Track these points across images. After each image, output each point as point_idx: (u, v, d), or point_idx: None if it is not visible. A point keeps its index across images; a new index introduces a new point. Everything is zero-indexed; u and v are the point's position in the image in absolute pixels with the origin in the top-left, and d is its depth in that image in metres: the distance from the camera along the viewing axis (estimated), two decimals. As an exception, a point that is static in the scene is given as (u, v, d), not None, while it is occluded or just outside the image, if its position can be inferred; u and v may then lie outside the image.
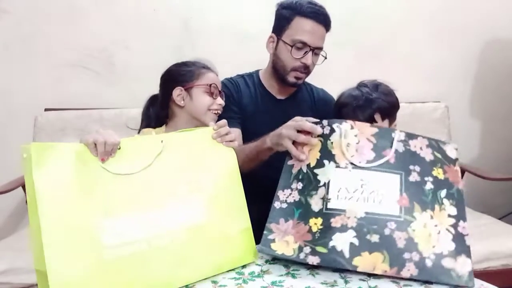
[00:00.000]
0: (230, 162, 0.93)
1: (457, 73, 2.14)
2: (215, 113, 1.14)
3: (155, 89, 1.21)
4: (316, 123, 0.91)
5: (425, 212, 0.83)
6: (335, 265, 0.79)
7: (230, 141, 0.94)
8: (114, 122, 1.75)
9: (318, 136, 0.90)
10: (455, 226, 0.83)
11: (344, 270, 0.83)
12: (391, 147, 0.87)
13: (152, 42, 1.93)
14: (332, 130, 0.89)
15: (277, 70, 1.30)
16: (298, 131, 0.92)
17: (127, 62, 1.91)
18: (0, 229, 1.89)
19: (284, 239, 0.85)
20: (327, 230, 0.82)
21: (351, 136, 0.88)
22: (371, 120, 1.12)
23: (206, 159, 0.89)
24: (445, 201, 0.85)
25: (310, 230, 0.83)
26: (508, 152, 2.19)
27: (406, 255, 0.79)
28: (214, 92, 1.14)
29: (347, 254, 0.79)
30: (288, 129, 0.93)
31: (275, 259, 0.90)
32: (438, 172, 0.87)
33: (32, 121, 1.78)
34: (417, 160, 0.88)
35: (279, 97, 1.36)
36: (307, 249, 0.82)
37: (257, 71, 1.40)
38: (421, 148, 0.89)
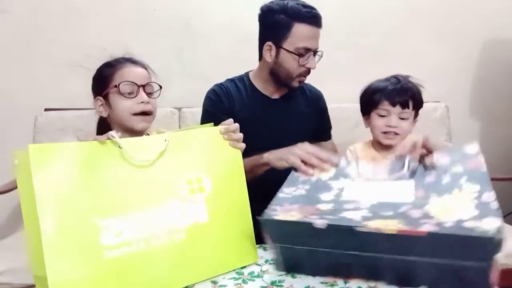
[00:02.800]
0: (235, 162, 0.91)
1: (457, 73, 2.14)
2: (142, 115, 0.99)
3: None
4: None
5: (442, 196, 0.78)
6: (344, 223, 0.72)
7: (237, 140, 0.91)
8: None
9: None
10: (478, 197, 0.75)
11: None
12: (403, 166, 0.88)
13: (152, 42, 1.93)
14: (348, 164, 0.94)
15: (279, 77, 1.28)
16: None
17: (127, 62, 1.90)
18: (0, 229, 1.89)
19: (288, 214, 0.79)
20: (338, 210, 0.78)
21: (366, 167, 0.92)
22: (405, 105, 1.17)
23: (210, 157, 0.88)
24: (465, 185, 0.79)
25: (318, 209, 0.80)
26: (508, 152, 2.19)
27: (422, 220, 0.71)
28: (131, 91, 0.97)
29: (358, 219, 0.73)
30: (300, 151, 0.97)
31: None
32: (456, 169, 0.84)
33: (32, 121, 1.78)
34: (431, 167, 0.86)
35: (273, 97, 1.35)
36: (313, 217, 0.76)
37: (246, 74, 1.38)
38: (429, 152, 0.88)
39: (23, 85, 1.88)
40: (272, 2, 1.26)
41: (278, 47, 1.24)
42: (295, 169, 0.96)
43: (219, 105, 1.29)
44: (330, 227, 0.72)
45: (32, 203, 0.68)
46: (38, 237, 0.67)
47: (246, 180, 1.07)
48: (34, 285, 0.73)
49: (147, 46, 1.94)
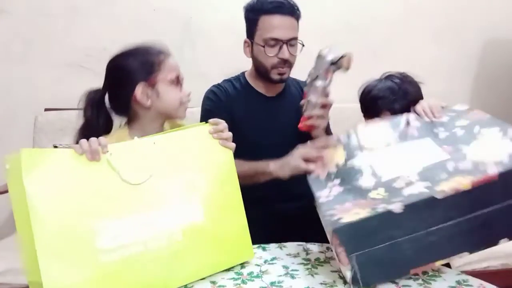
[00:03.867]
0: (226, 160, 0.91)
1: (457, 73, 2.14)
2: (186, 105, 1.03)
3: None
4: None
5: (471, 144, 0.80)
6: (422, 197, 0.70)
7: (226, 139, 0.91)
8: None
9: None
10: (505, 134, 0.78)
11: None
12: (406, 126, 0.93)
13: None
14: (349, 134, 0.96)
15: (259, 71, 1.31)
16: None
17: (127, 62, 1.90)
18: (0, 229, 1.89)
19: (351, 213, 0.74)
20: (394, 192, 0.76)
21: (369, 133, 0.94)
22: (407, 110, 1.14)
23: (201, 157, 0.87)
24: (482, 130, 0.82)
25: (374, 199, 0.76)
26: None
27: (482, 167, 0.72)
28: (181, 82, 1.02)
29: (426, 190, 0.72)
30: (298, 151, 1.01)
31: (274, 259, 0.91)
32: (461, 122, 0.89)
33: (32, 121, 1.78)
34: (436, 124, 0.92)
35: (269, 95, 1.36)
36: (382, 206, 0.72)
37: (242, 73, 1.41)
38: (434, 116, 0.94)
39: (23, 85, 1.88)
40: (251, 1, 1.30)
41: (252, 42, 1.29)
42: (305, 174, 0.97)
43: (218, 104, 1.30)
44: (408, 207, 0.69)
45: (24, 208, 0.67)
46: (31, 242, 0.67)
47: (246, 184, 1.08)
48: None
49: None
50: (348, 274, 0.73)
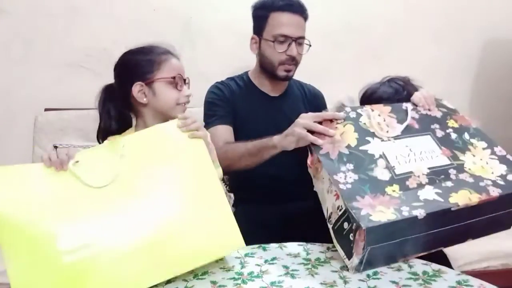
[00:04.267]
0: (199, 150, 0.90)
1: (457, 73, 2.14)
2: (184, 105, 1.05)
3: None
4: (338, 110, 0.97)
5: (466, 154, 0.95)
6: (439, 208, 0.81)
7: (196, 129, 0.91)
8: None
9: (345, 121, 0.96)
10: (493, 153, 0.97)
11: (343, 270, 0.84)
12: (406, 115, 1.00)
13: (152, 42, 1.93)
14: (359, 114, 0.98)
15: (265, 68, 1.32)
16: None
17: (127, 62, 1.90)
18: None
19: (377, 210, 0.80)
20: (408, 191, 0.85)
21: (376, 116, 0.98)
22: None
23: (172, 151, 0.88)
24: (472, 140, 0.99)
25: (392, 197, 0.84)
26: (508, 152, 2.19)
27: (481, 183, 0.87)
28: (179, 83, 1.02)
29: (441, 199, 0.83)
30: (303, 120, 0.94)
31: (274, 259, 0.91)
32: (452, 123, 1.02)
33: (32, 121, 1.78)
34: (432, 119, 1.02)
35: (272, 94, 1.37)
36: (405, 208, 0.80)
37: (246, 73, 1.42)
38: (429, 109, 1.03)
39: (23, 85, 1.88)
40: None
41: (260, 38, 1.31)
42: (310, 150, 0.94)
43: (221, 97, 1.32)
44: (428, 215, 0.79)
45: None
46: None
47: (251, 164, 1.09)
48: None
49: (147, 46, 1.94)
50: (355, 261, 0.80)
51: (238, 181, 1.37)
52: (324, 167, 0.89)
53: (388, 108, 1.01)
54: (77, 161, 0.82)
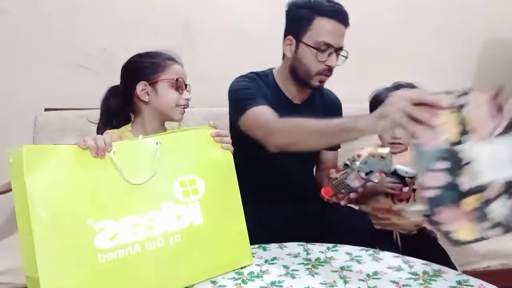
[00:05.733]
0: (227, 164, 0.91)
1: (456, 73, 2.14)
2: (183, 108, 1.10)
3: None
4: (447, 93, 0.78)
5: None
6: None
7: (228, 143, 0.92)
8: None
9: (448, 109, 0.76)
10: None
11: (343, 270, 0.84)
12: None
13: (152, 42, 1.92)
14: (465, 101, 0.77)
15: (297, 74, 1.24)
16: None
17: (127, 62, 1.90)
18: (0, 229, 1.89)
19: (460, 225, 0.73)
20: (484, 204, 0.74)
21: (482, 105, 0.79)
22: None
23: (202, 159, 0.87)
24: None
25: (468, 210, 0.74)
26: (508, 152, 2.19)
27: None
28: (181, 86, 1.08)
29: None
30: (404, 102, 0.75)
31: (274, 259, 0.91)
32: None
33: (32, 121, 1.78)
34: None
35: (295, 101, 1.31)
36: (485, 224, 0.73)
37: (270, 71, 1.34)
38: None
39: (23, 85, 1.88)
40: None
41: (298, 41, 1.21)
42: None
43: (254, 85, 1.24)
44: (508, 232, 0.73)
45: (24, 204, 0.68)
46: (30, 238, 0.67)
47: (322, 145, 1.05)
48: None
49: (147, 46, 1.94)
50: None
51: (238, 181, 1.36)
52: (416, 158, 0.76)
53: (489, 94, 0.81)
54: (114, 152, 0.77)
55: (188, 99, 1.10)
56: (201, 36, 1.96)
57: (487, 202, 0.74)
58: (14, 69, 1.87)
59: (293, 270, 0.86)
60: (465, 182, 0.74)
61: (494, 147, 0.76)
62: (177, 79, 1.07)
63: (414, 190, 1.24)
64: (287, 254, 0.94)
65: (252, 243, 0.94)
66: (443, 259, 1.16)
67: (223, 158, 0.90)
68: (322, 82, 1.23)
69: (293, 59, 1.23)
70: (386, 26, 2.05)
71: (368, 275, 0.82)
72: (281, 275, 0.83)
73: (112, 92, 1.14)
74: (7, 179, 1.70)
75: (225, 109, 1.31)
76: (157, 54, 1.11)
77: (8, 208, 1.90)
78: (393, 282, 0.79)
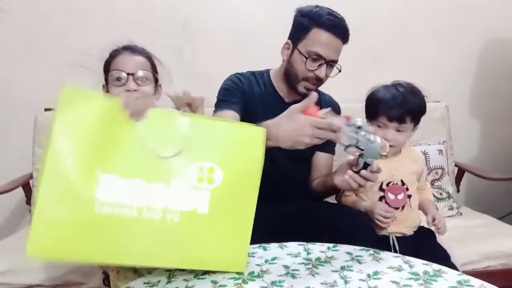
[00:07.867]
0: (253, 165, 0.86)
1: (457, 73, 2.14)
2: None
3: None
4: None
5: None
6: None
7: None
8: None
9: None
10: None
11: (343, 270, 0.84)
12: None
13: (152, 42, 1.93)
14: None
15: (288, 76, 1.30)
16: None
17: (127, 62, 1.90)
18: (0, 229, 1.89)
19: None
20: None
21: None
22: (402, 121, 1.20)
23: (229, 153, 0.85)
24: None
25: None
26: (508, 152, 2.19)
27: None
28: (116, 78, 1.03)
29: None
30: (311, 129, 0.91)
31: (274, 259, 0.91)
32: None
33: (32, 121, 1.78)
34: None
35: (287, 100, 1.34)
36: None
37: (267, 71, 1.40)
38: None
39: (23, 85, 1.88)
40: (307, 6, 1.28)
41: (294, 47, 1.27)
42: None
43: (238, 87, 1.31)
44: None
45: (49, 136, 0.73)
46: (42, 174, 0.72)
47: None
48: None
49: (147, 46, 1.94)
50: None
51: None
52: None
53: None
54: (148, 119, 0.79)
55: (129, 90, 1.01)
56: (200, 36, 1.96)
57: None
58: (14, 69, 1.87)
59: (293, 270, 0.85)
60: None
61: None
62: (108, 72, 1.06)
63: (409, 196, 1.24)
64: (288, 254, 0.94)
65: (252, 243, 0.93)
66: (443, 259, 1.16)
67: (252, 159, 0.86)
68: (308, 89, 1.26)
69: (287, 62, 1.30)
70: (386, 26, 2.06)
71: (368, 275, 0.82)
72: (281, 275, 0.83)
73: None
74: (7, 179, 1.71)
75: (225, 109, 1.31)
76: (111, 52, 1.12)
77: (8, 208, 1.90)
78: (394, 282, 0.79)
